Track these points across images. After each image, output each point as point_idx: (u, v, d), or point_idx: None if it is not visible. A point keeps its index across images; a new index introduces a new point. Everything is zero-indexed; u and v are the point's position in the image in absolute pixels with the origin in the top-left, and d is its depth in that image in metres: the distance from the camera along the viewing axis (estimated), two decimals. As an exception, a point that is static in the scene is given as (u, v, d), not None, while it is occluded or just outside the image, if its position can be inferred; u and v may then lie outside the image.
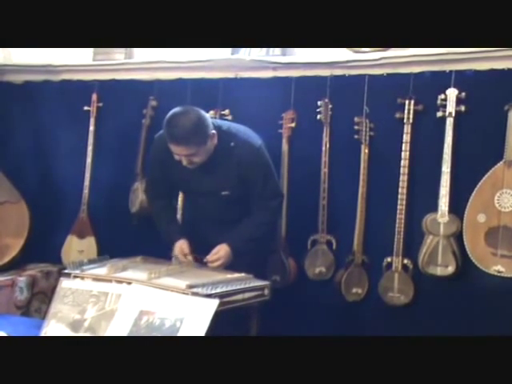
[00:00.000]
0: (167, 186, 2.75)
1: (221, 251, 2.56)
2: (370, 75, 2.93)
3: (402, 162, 2.82)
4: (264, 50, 3.10)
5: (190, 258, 2.58)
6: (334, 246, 3.05)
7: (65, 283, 2.18)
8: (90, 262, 2.49)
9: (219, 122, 2.70)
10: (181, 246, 2.61)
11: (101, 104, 3.51)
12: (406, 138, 2.82)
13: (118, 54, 3.43)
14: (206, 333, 1.85)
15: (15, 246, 3.41)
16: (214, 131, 2.50)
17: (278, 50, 3.08)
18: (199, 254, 2.59)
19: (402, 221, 2.84)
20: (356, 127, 2.94)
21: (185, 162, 2.48)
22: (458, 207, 2.75)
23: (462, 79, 2.76)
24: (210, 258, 2.56)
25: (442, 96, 2.76)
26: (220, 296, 2.09)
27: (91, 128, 3.51)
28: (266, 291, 2.36)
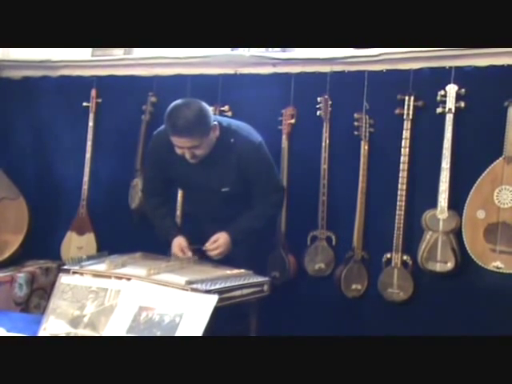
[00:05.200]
0: (165, 183, 2.74)
1: (220, 239, 2.54)
2: (369, 71, 2.93)
3: (402, 158, 2.82)
4: (263, 45, 3.10)
5: (189, 254, 2.57)
6: (334, 242, 3.05)
7: (64, 279, 2.17)
8: (89, 258, 2.48)
9: (219, 118, 2.69)
10: (179, 243, 2.60)
11: (100, 100, 3.51)
12: (406, 134, 2.82)
13: (117, 50, 3.43)
14: (206, 329, 1.85)
15: (14, 242, 3.41)
16: (215, 122, 2.50)
17: (277, 46, 3.08)
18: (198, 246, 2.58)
19: (402, 217, 2.84)
20: (356, 123, 2.94)
21: (188, 156, 2.47)
22: (457, 203, 2.75)
23: (462, 75, 2.76)
24: (208, 245, 2.54)
25: (442, 92, 2.76)
26: (219, 292, 2.09)
27: (90, 124, 3.51)
28: (266, 287, 2.35)
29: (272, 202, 2.66)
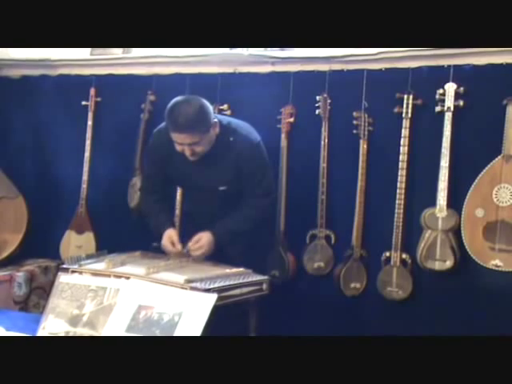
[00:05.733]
0: (163, 181, 2.74)
1: (203, 239, 2.52)
2: (368, 70, 2.93)
3: (401, 157, 2.82)
4: (262, 44, 3.10)
5: (178, 247, 2.55)
6: (333, 241, 3.05)
7: (63, 278, 2.17)
8: (88, 256, 2.49)
9: (219, 116, 2.69)
10: (169, 235, 2.58)
11: (99, 99, 3.50)
12: (405, 132, 2.82)
13: (116, 49, 3.43)
14: (205, 328, 1.85)
15: (13, 241, 3.41)
16: (216, 120, 2.50)
17: (276, 45, 3.08)
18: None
19: (401, 215, 2.84)
20: (355, 122, 2.94)
21: (188, 153, 2.47)
22: (456, 202, 2.75)
23: (461, 74, 2.76)
24: (191, 245, 2.53)
25: (441, 91, 2.76)
26: (218, 290, 2.09)
27: (89, 123, 3.50)
28: (265, 286, 2.35)
29: (259, 205, 2.64)
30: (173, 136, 2.45)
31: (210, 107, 2.51)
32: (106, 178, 3.47)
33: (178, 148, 2.48)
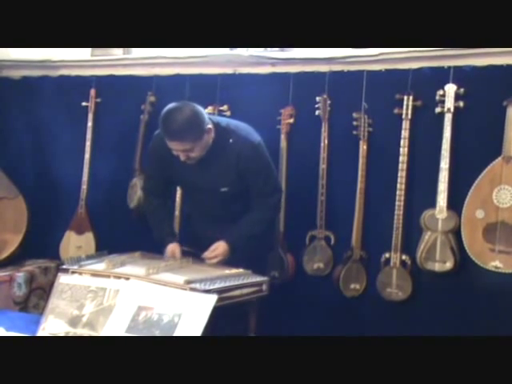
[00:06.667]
0: (165, 183, 2.74)
1: (219, 248, 2.55)
2: (368, 71, 2.93)
3: (401, 158, 2.82)
4: (262, 45, 3.10)
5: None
6: (333, 242, 3.05)
7: (63, 279, 2.17)
8: (88, 257, 2.48)
9: (218, 118, 2.69)
10: (172, 250, 2.61)
11: (99, 100, 3.51)
12: (405, 133, 2.82)
13: (116, 50, 3.43)
14: (204, 329, 1.85)
15: (13, 241, 3.41)
16: (210, 126, 2.49)
17: (276, 46, 3.08)
18: (197, 249, 2.59)
19: (401, 217, 2.84)
20: (354, 123, 2.94)
21: (182, 158, 2.48)
22: (456, 203, 2.75)
23: (461, 75, 2.76)
24: (207, 254, 2.55)
25: (441, 92, 2.76)
26: (218, 291, 2.09)
27: (89, 124, 3.51)
28: (265, 287, 2.35)
29: (270, 204, 2.64)
30: (167, 142, 2.46)
31: (204, 114, 2.48)
32: (106, 178, 3.47)
33: (174, 152, 2.49)
